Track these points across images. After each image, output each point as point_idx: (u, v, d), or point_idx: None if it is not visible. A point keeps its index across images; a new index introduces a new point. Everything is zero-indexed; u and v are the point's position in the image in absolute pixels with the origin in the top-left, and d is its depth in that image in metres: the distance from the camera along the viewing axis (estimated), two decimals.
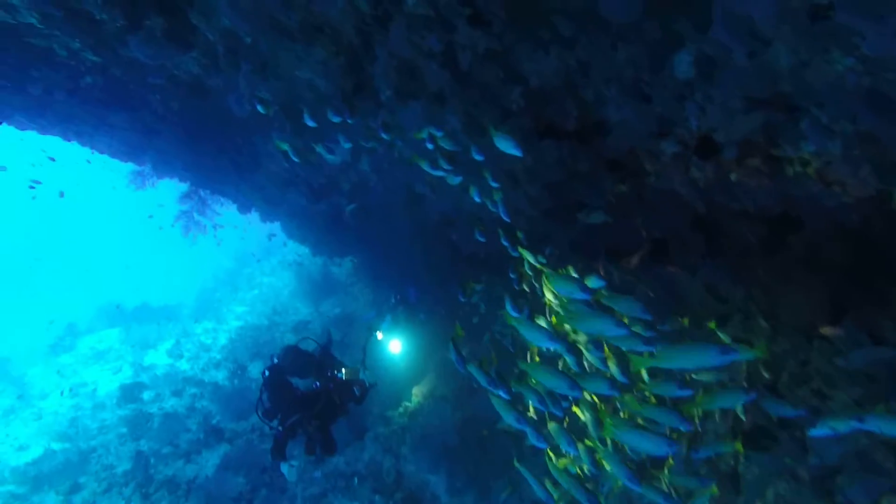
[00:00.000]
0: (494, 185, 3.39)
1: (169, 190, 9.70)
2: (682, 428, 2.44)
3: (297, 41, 4.42)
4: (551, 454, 3.11)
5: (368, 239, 8.11)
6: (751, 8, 2.22)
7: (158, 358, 14.40)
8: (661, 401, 2.85)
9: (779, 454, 3.91)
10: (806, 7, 2.14)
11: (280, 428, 4.38)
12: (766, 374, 4.37)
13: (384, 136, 3.90)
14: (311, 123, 4.16)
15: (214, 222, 10.46)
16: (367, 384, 4.90)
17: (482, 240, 3.83)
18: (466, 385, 6.96)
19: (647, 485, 2.64)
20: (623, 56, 3.32)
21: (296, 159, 4.04)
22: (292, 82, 4.86)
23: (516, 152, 3.08)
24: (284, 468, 4.09)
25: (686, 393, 2.53)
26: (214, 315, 16.76)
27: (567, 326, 2.93)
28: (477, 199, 3.45)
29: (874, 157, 2.62)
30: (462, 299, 4.73)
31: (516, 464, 3.52)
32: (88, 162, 8.61)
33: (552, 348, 2.68)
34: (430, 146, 3.42)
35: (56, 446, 10.08)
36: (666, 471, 3.19)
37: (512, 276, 4.40)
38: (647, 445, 2.46)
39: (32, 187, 10.94)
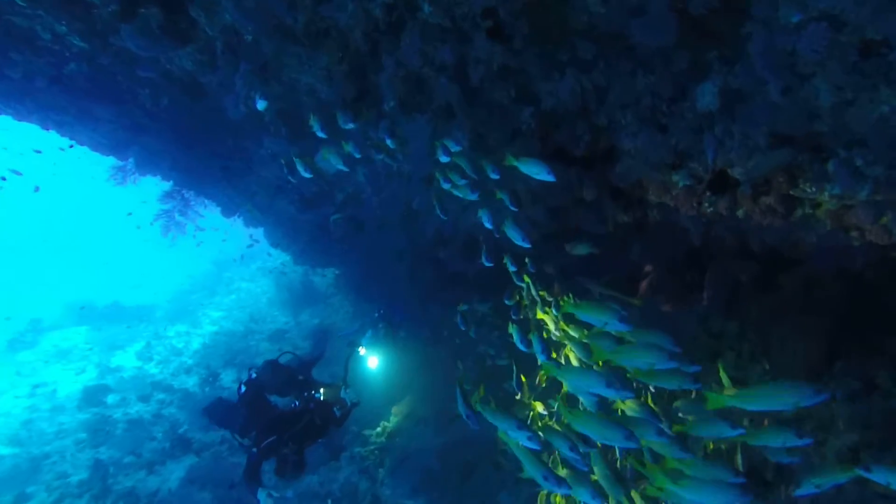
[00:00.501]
0: (513, 208, 3.15)
1: (150, 188, 9.22)
2: (737, 481, 2.07)
3: (301, 44, 4.16)
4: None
5: (354, 251, 7.79)
6: (797, 41, 2.06)
7: (126, 360, 13.59)
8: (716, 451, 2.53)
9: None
10: (856, 42, 1.99)
11: (255, 449, 3.99)
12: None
13: (389, 142, 3.63)
14: (320, 134, 3.89)
15: (196, 224, 10.00)
16: (349, 403, 4.55)
17: (489, 264, 3.58)
18: (449, 408, 6.64)
19: None
20: (642, 83, 3.16)
21: (307, 174, 3.71)
22: (292, 87, 4.58)
23: (549, 177, 2.85)
24: (262, 496, 3.69)
25: (737, 432, 2.16)
26: (189, 318, 16.00)
27: (599, 361, 2.63)
28: (488, 225, 3.20)
29: None
30: (462, 328, 4.45)
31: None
32: (62, 150, 8.08)
33: (613, 397, 2.29)
34: (445, 158, 3.16)
35: (4, 451, 9.25)
36: None
37: (508, 302, 4.13)
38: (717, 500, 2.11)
39: (4, 178, 10.27)
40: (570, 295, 3.70)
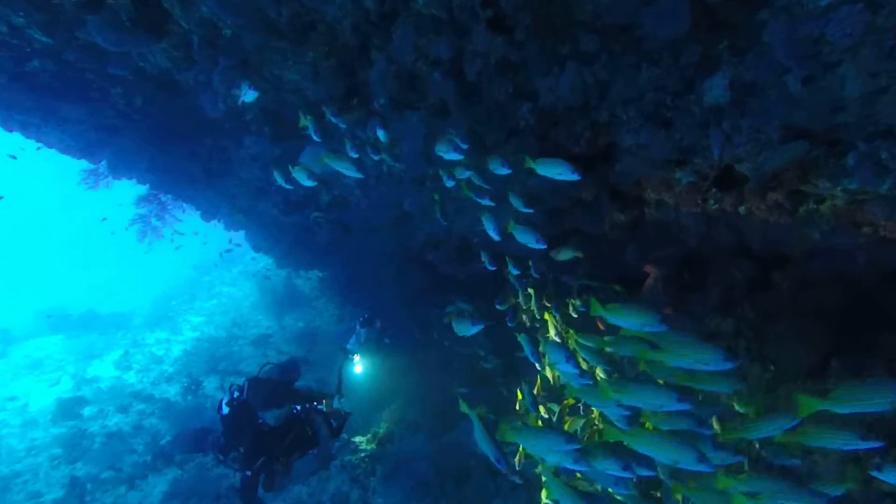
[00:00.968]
0: (527, 210, 2.92)
1: (125, 192, 8.71)
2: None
3: (286, 38, 3.86)
4: None
5: (341, 253, 7.48)
6: (826, 26, 1.89)
7: (104, 369, 12.91)
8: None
9: None
10: (893, 25, 1.82)
11: (248, 472, 3.69)
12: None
13: (381, 136, 3.37)
14: (316, 138, 3.61)
15: (174, 228, 9.53)
16: (344, 413, 4.28)
17: (492, 268, 3.35)
18: (440, 412, 6.41)
19: None
20: (646, 76, 2.98)
21: (310, 183, 3.40)
22: (276, 84, 4.27)
23: (574, 176, 2.63)
24: None
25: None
26: (169, 325, 15.34)
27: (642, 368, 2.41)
28: (493, 234, 2.96)
29: None
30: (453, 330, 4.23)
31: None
32: (13, 158, 7.53)
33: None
34: (452, 155, 2.92)
35: None
36: None
37: (499, 307, 3.91)
38: None
39: None
40: (587, 297, 3.50)
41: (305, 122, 3.44)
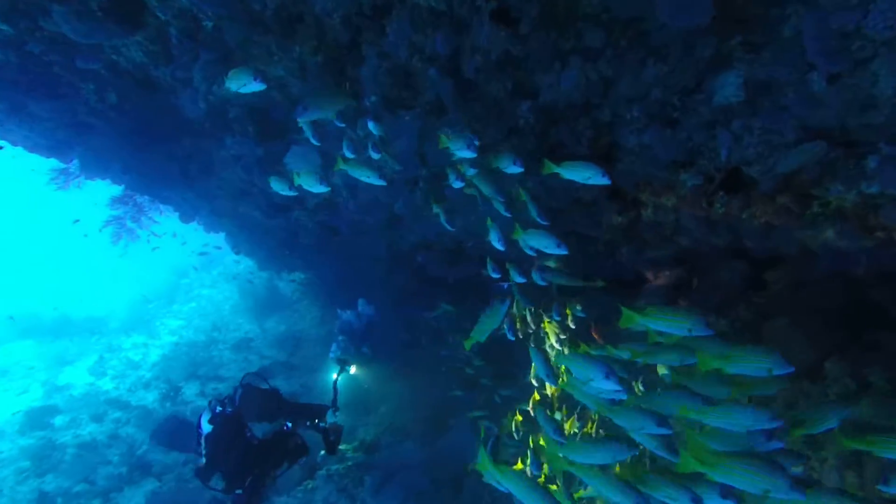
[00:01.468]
0: (543, 222, 2.69)
1: (98, 191, 8.21)
2: None
3: (271, 32, 3.57)
4: None
5: (326, 255, 7.17)
6: (869, 18, 1.74)
7: (77, 376, 12.22)
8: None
9: None
10: None
11: (239, 490, 3.40)
12: None
13: (374, 130, 3.13)
14: (315, 142, 3.34)
15: (150, 230, 9.06)
16: (339, 426, 4.04)
17: (496, 276, 3.13)
18: (430, 417, 6.18)
19: None
20: (653, 73, 2.81)
21: (322, 188, 3.07)
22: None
23: (604, 180, 2.41)
24: None
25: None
26: (146, 329, 14.66)
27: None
28: (497, 244, 2.73)
29: None
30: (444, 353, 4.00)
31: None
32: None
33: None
34: (465, 153, 2.67)
35: None
36: None
37: (511, 336, 3.67)
38: None
39: None
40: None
41: (304, 125, 3.18)
